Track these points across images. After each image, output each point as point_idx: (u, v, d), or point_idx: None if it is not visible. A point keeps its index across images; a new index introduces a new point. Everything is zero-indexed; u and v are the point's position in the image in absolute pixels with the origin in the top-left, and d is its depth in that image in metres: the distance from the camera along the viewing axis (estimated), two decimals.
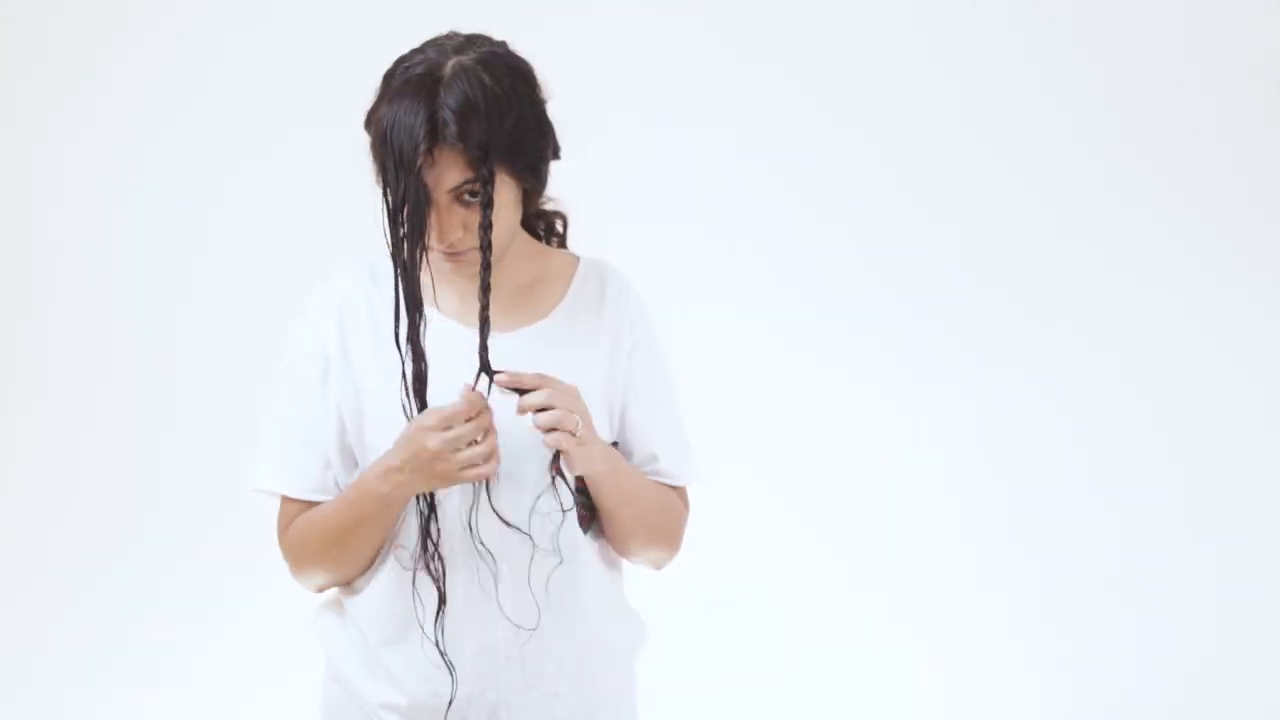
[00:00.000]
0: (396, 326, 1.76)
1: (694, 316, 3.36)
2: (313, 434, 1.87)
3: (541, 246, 1.96)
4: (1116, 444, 3.57)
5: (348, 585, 1.91)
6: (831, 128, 3.58)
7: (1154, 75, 3.56)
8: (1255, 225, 3.56)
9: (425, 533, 1.81)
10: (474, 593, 1.84)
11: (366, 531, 1.83)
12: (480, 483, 1.80)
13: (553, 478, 1.82)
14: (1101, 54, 3.57)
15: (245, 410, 3.04)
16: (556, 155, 1.84)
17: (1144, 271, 3.56)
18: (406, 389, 1.76)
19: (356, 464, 1.87)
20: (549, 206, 1.95)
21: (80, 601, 3.70)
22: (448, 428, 1.72)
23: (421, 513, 1.82)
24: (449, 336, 1.84)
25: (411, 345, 1.75)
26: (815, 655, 3.54)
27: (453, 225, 1.75)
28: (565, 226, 1.98)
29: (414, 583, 1.84)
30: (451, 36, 1.78)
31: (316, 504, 1.88)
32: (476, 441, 1.73)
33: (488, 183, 1.72)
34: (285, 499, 1.90)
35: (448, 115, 1.69)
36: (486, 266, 1.74)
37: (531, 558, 1.84)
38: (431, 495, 1.81)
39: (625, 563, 1.99)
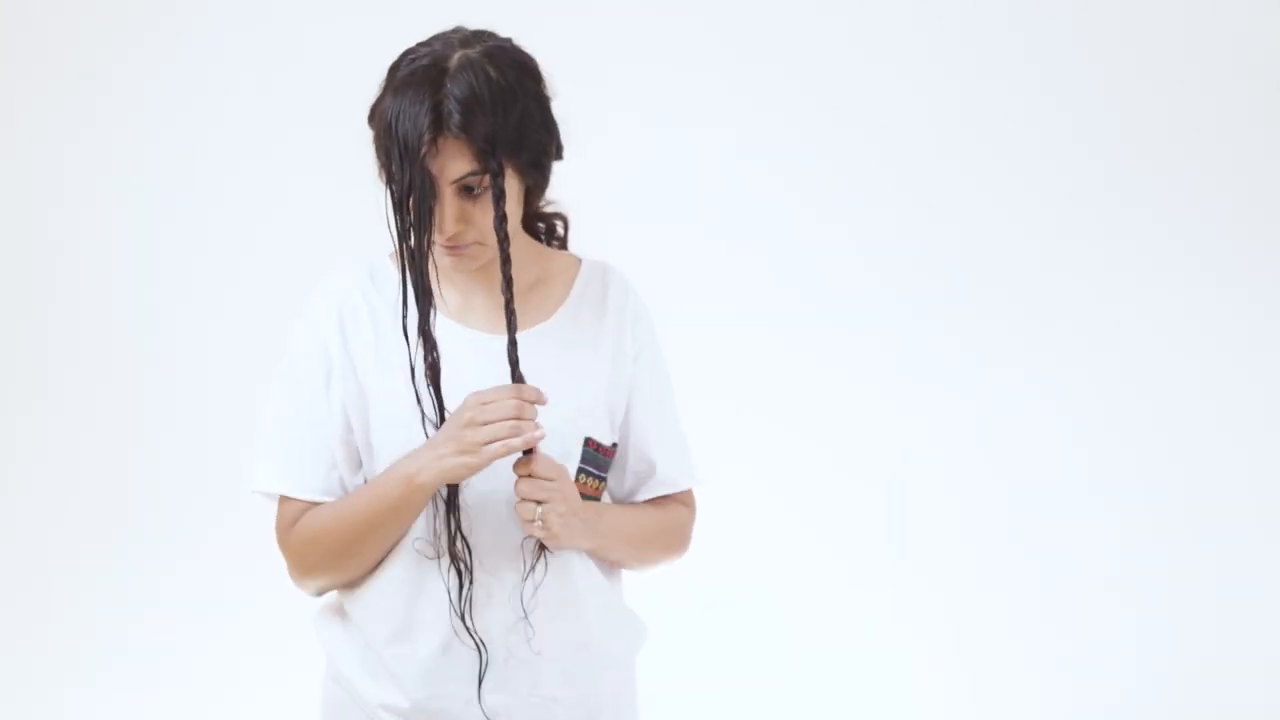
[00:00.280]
0: (405, 317, 1.76)
1: (694, 316, 3.36)
2: (316, 434, 1.85)
3: (542, 248, 1.95)
4: (1116, 444, 3.57)
5: (347, 586, 1.90)
6: (831, 128, 3.58)
7: (1154, 75, 3.56)
8: (1255, 225, 3.56)
9: (449, 516, 1.81)
10: (475, 594, 1.84)
11: (388, 523, 1.81)
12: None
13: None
14: (1101, 54, 3.57)
15: (245, 410, 3.01)
16: (559, 155, 1.84)
17: (1144, 271, 3.56)
18: (416, 380, 1.76)
19: (361, 465, 1.87)
20: (549, 209, 1.95)
21: (80, 601, 3.70)
22: (489, 402, 1.72)
23: (441, 500, 1.81)
24: (451, 337, 1.84)
25: (423, 335, 1.75)
26: (815, 655, 3.54)
27: (455, 217, 1.75)
28: (566, 229, 1.98)
29: (440, 568, 1.84)
30: (457, 30, 1.79)
31: (318, 506, 1.87)
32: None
33: (498, 174, 1.72)
34: (285, 500, 1.88)
35: (453, 105, 1.70)
36: (506, 259, 1.75)
37: (527, 562, 1.84)
38: (453, 487, 1.80)
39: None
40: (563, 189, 1.92)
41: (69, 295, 3.74)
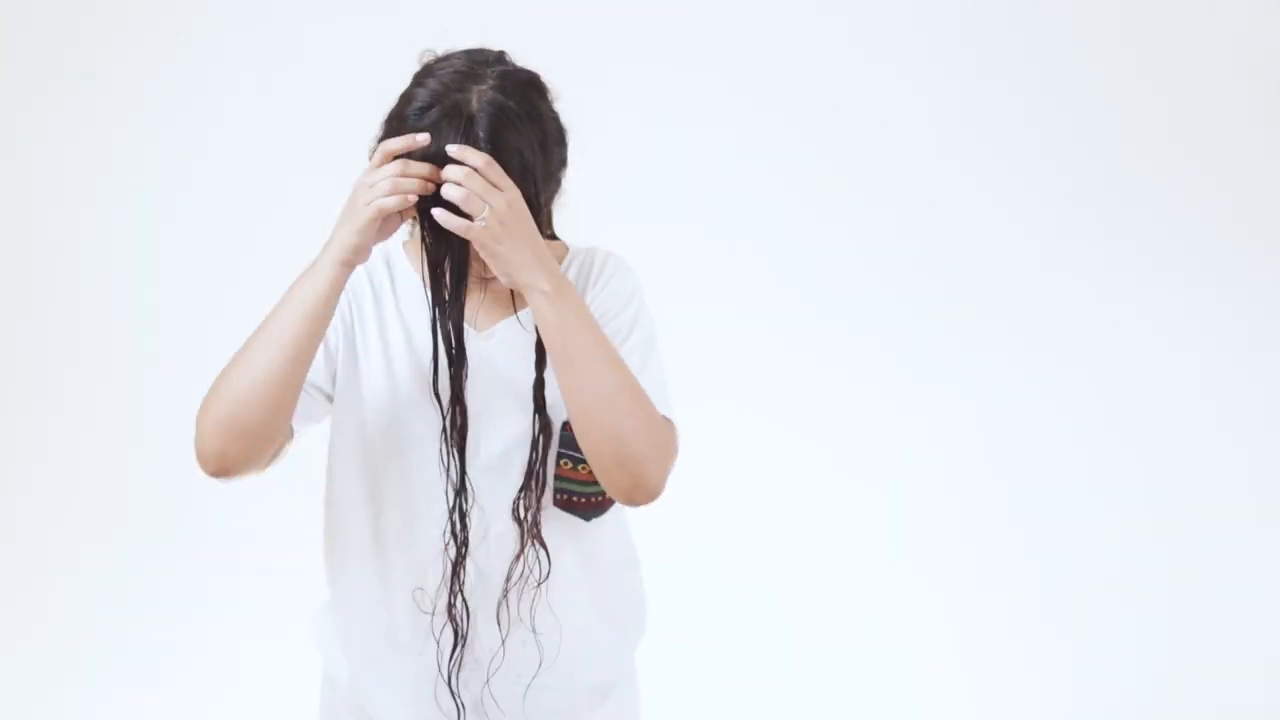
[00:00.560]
0: (436, 378, 1.76)
1: (694, 316, 3.36)
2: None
3: None
4: (1116, 444, 3.57)
5: (248, 459, 1.79)
6: (831, 128, 3.58)
7: (1154, 75, 3.57)
8: (1255, 225, 3.56)
9: (454, 577, 1.80)
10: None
11: (289, 321, 1.75)
12: (456, 478, 1.79)
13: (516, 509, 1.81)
14: (1101, 54, 3.57)
15: None
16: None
17: (1144, 271, 3.56)
18: (446, 439, 1.77)
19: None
20: None
21: (80, 601, 3.70)
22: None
23: (448, 552, 1.80)
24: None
25: (456, 400, 1.75)
26: (815, 655, 3.54)
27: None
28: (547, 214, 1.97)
29: (431, 626, 1.83)
30: (448, 60, 1.75)
31: None
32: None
33: (538, 212, 1.72)
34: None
35: (490, 154, 1.67)
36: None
37: (516, 551, 1.83)
38: (464, 532, 1.78)
39: (621, 557, 1.98)
40: (564, 189, 1.91)
41: (69, 295, 3.74)
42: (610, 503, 1.87)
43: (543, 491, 1.82)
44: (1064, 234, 3.58)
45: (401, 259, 1.89)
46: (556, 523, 1.85)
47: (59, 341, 3.74)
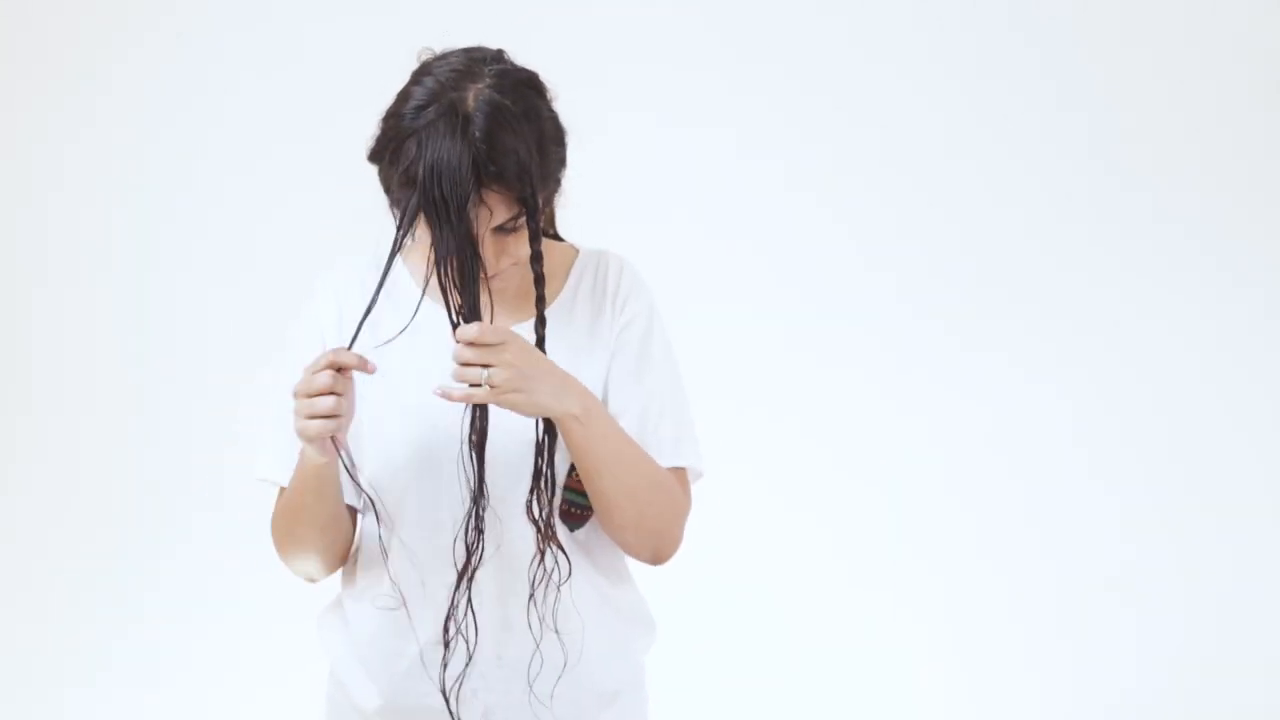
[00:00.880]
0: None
1: (694, 316, 3.34)
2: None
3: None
4: (1117, 444, 3.57)
5: (326, 572, 1.91)
6: (832, 128, 3.58)
7: (1155, 75, 3.56)
8: (1263, 224, 3.55)
9: (468, 581, 1.79)
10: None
11: (305, 500, 1.81)
12: (471, 479, 1.78)
13: (531, 506, 1.80)
14: (1102, 54, 3.57)
15: (246, 410, 3.04)
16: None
17: (1145, 271, 3.56)
18: (463, 446, 1.77)
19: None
20: None
21: (80, 601, 3.70)
22: (307, 379, 1.69)
23: (458, 555, 1.79)
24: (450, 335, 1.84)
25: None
26: (816, 655, 3.54)
27: (496, 255, 1.75)
28: (551, 214, 1.96)
29: (444, 630, 1.83)
30: (446, 59, 1.75)
31: None
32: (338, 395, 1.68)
33: (535, 212, 1.72)
34: (282, 489, 1.89)
35: (484, 153, 1.67)
36: (541, 299, 1.75)
37: (541, 571, 1.82)
38: (480, 537, 1.78)
39: (629, 562, 1.97)
40: (564, 189, 1.91)
41: (69, 295, 3.74)
42: (588, 517, 1.88)
43: (554, 494, 1.81)
44: (1065, 233, 3.57)
45: (403, 273, 1.88)
46: (560, 528, 1.85)
47: (59, 341, 3.74)
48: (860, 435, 3.58)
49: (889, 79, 3.58)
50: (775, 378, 3.58)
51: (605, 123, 3.26)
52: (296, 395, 1.69)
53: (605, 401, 1.87)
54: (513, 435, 1.80)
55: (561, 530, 1.86)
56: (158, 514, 3.68)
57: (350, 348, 1.72)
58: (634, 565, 1.98)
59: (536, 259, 1.74)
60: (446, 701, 1.81)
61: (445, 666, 1.81)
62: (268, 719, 3.45)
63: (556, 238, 1.97)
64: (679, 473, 1.88)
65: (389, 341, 1.80)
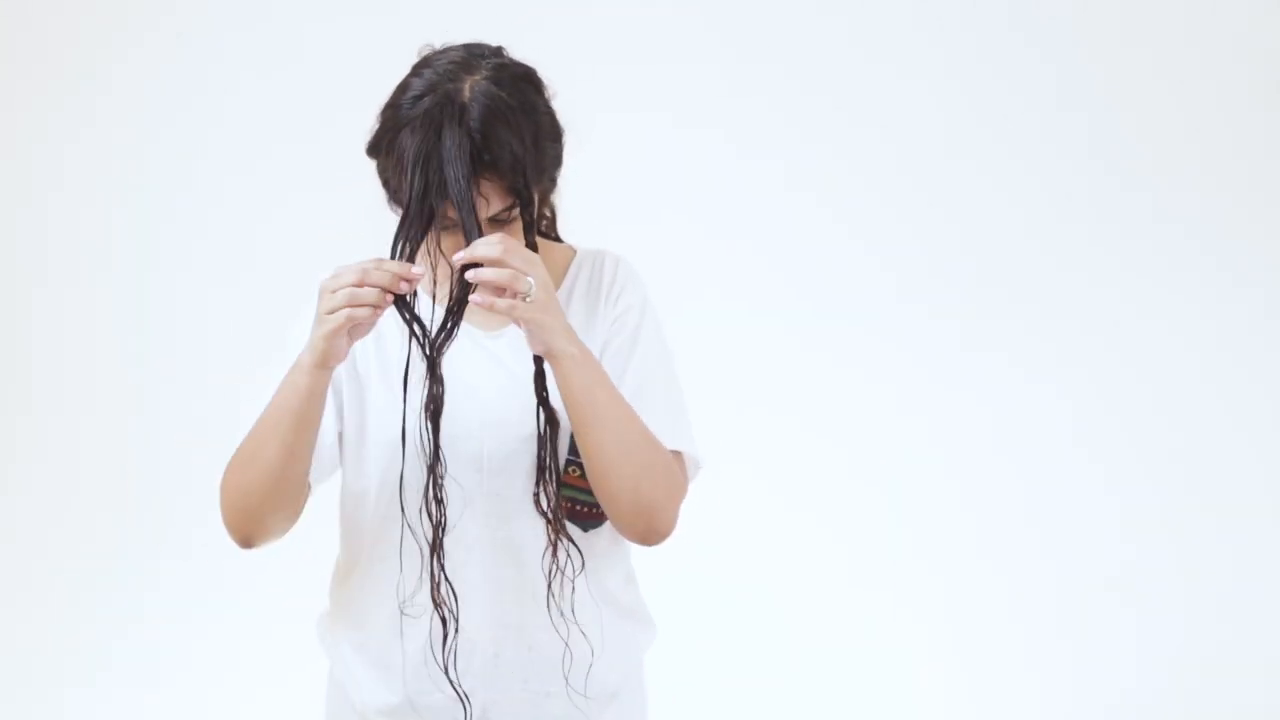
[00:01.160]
0: (425, 344, 1.72)
1: (693, 316, 3.35)
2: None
3: (539, 239, 1.94)
4: (1117, 444, 3.57)
5: (266, 533, 1.83)
6: (832, 128, 3.58)
7: (1155, 75, 3.56)
8: (1271, 225, 3.55)
9: (435, 559, 1.76)
10: (462, 590, 1.83)
11: (275, 423, 1.76)
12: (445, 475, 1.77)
13: (536, 494, 1.79)
14: (1102, 54, 3.57)
15: (246, 410, 3.03)
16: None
17: (1158, 272, 3.56)
18: (408, 412, 1.74)
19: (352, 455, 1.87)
20: None
21: (80, 601, 3.70)
22: (338, 274, 1.67)
23: (426, 543, 1.77)
24: (463, 341, 1.82)
25: (431, 369, 1.72)
26: (816, 655, 3.54)
27: None
28: (553, 215, 1.97)
29: (401, 619, 1.83)
30: (446, 53, 1.76)
31: None
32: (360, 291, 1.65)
33: (528, 205, 1.72)
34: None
35: (481, 144, 1.67)
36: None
37: (554, 565, 1.81)
38: (436, 528, 1.76)
39: (630, 560, 1.97)
40: (562, 188, 1.91)
41: (69, 295, 3.74)
42: (603, 517, 1.86)
43: (558, 486, 1.80)
44: (1065, 233, 3.57)
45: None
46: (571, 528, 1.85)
47: (59, 341, 3.74)
48: (860, 435, 3.58)
49: (889, 79, 3.58)
50: (775, 377, 3.58)
51: (605, 123, 3.26)
52: (341, 276, 1.65)
53: None
54: (507, 430, 1.80)
55: (574, 529, 1.86)
56: (158, 514, 3.68)
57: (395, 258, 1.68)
58: (634, 566, 1.98)
59: (532, 250, 1.73)
60: (447, 674, 1.79)
61: (446, 649, 1.78)
62: (267, 719, 3.45)
63: (557, 240, 1.98)
64: (675, 455, 1.85)
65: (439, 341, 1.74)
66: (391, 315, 1.76)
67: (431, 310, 1.72)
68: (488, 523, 1.83)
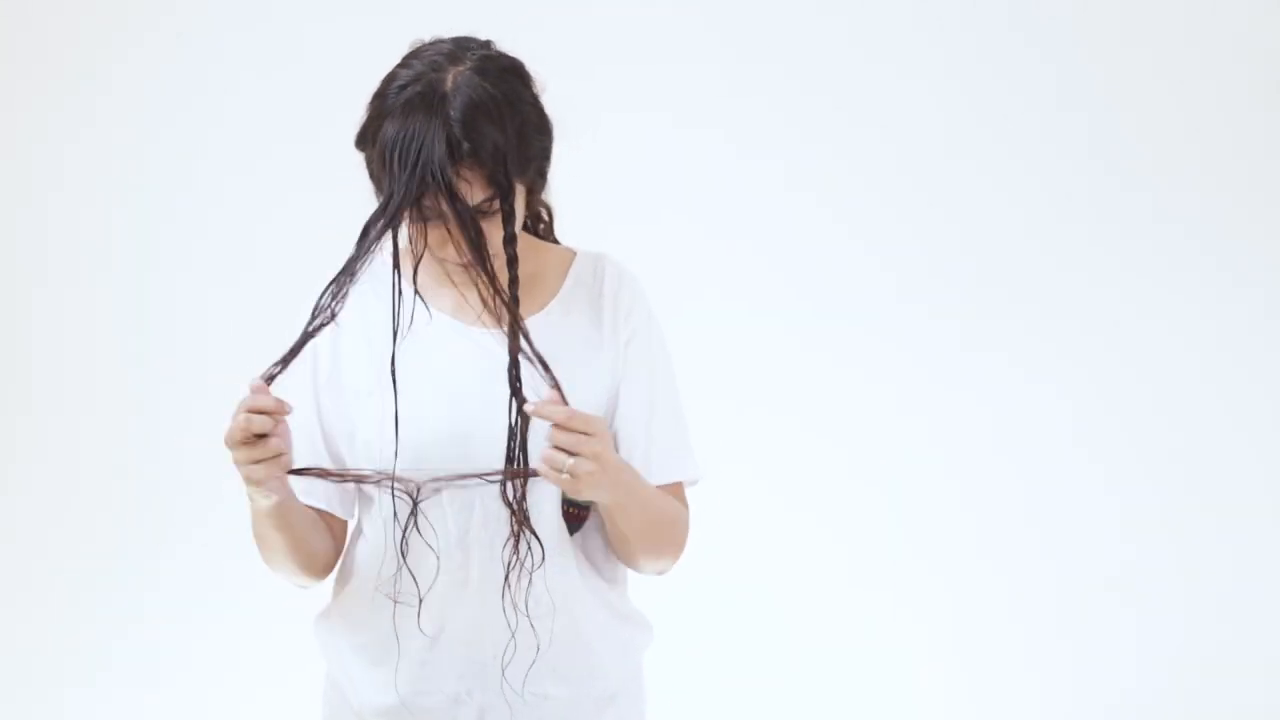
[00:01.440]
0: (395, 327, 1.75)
1: (693, 316, 3.35)
2: (299, 438, 1.84)
3: (536, 241, 1.93)
4: (1118, 444, 3.57)
5: (314, 578, 1.92)
6: (832, 128, 3.58)
7: (1156, 75, 3.56)
8: (1271, 225, 3.55)
9: (404, 531, 1.78)
10: (457, 592, 1.83)
11: (266, 531, 1.83)
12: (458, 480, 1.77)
13: (511, 508, 1.78)
14: (1103, 54, 3.57)
15: None
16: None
17: (1158, 272, 3.55)
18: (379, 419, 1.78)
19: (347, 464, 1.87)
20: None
21: (80, 601, 3.71)
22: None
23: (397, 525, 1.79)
24: (448, 335, 1.84)
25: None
26: (816, 655, 3.54)
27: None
28: (550, 217, 1.97)
29: (394, 614, 1.84)
30: (435, 45, 1.77)
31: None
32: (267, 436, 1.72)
33: (508, 195, 1.72)
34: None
35: (459, 132, 1.68)
36: (514, 280, 1.73)
37: (515, 557, 1.80)
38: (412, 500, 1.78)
39: (616, 564, 1.96)
40: (562, 188, 1.91)
41: (69, 295, 3.74)
42: (586, 518, 1.89)
43: (525, 478, 1.79)
44: (1065, 233, 3.57)
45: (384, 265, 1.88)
46: (556, 519, 1.86)
47: (59, 341, 3.74)
48: (860, 435, 3.58)
49: (889, 79, 3.58)
50: (775, 378, 3.58)
51: (604, 122, 3.28)
52: (232, 444, 1.72)
53: (610, 411, 1.87)
54: (495, 424, 1.79)
55: (560, 532, 1.86)
56: (158, 514, 3.68)
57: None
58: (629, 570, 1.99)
59: (510, 241, 1.73)
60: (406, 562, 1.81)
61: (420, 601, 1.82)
62: (267, 719, 3.45)
63: (555, 242, 1.98)
64: (677, 486, 1.91)
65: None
66: (376, 312, 1.78)
67: (412, 301, 1.75)
68: (486, 523, 1.83)
